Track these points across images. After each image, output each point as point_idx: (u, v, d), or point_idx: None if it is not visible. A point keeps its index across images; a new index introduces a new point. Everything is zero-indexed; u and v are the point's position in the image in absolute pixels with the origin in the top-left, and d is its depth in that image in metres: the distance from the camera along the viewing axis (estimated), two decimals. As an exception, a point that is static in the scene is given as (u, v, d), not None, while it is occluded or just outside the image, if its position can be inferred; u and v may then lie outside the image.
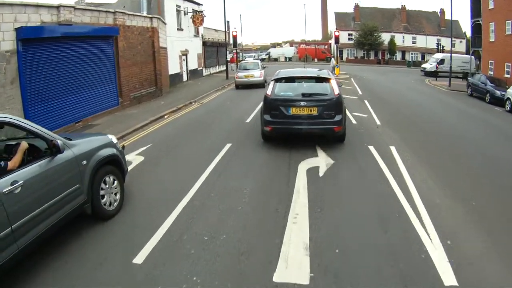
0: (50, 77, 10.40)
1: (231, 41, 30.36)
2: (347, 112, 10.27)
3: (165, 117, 12.99)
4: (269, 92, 7.86)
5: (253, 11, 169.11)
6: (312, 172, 6.60)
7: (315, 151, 7.80)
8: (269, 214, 5.01)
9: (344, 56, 57.47)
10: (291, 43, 71.74)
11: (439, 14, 58.12)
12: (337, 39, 32.34)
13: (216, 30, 32.20)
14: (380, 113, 12.89)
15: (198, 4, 28.56)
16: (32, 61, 9.66)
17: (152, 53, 17.62)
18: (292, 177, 6.35)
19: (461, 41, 56.81)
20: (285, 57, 61.47)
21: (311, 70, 8.91)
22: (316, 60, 56.90)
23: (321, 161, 7.19)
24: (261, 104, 8.52)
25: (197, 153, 8.05)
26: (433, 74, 32.08)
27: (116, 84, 14.27)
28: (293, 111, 7.46)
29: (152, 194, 5.85)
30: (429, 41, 54.65)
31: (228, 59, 40.85)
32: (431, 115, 13.55)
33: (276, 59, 59.97)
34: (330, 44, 64.65)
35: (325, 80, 7.87)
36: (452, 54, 30.47)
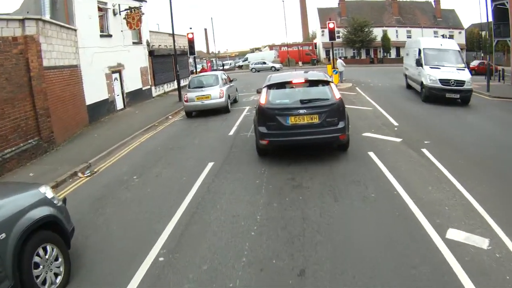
0: None
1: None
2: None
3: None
4: (262, 100, 7.03)
5: (230, 16, 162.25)
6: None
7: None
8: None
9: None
10: (271, 47, 64.72)
11: (433, 3, 52.13)
12: (332, 32, 22.11)
13: (170, 35, 24.68)
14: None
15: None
16: None
17: (27, 81, 9.99)
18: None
19: (460, 32, 50.91)
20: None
21: (304, 74, 8.14)
22: (300, 63, 49.82)
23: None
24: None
25: None
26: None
27: None
28: (291, 120, 6.65)
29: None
30: (425, 34, 48.31)
31: (197, 70, 33.31)
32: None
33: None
34: (315, 44, 57.95)
35: (324, 83, 7.10)
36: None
